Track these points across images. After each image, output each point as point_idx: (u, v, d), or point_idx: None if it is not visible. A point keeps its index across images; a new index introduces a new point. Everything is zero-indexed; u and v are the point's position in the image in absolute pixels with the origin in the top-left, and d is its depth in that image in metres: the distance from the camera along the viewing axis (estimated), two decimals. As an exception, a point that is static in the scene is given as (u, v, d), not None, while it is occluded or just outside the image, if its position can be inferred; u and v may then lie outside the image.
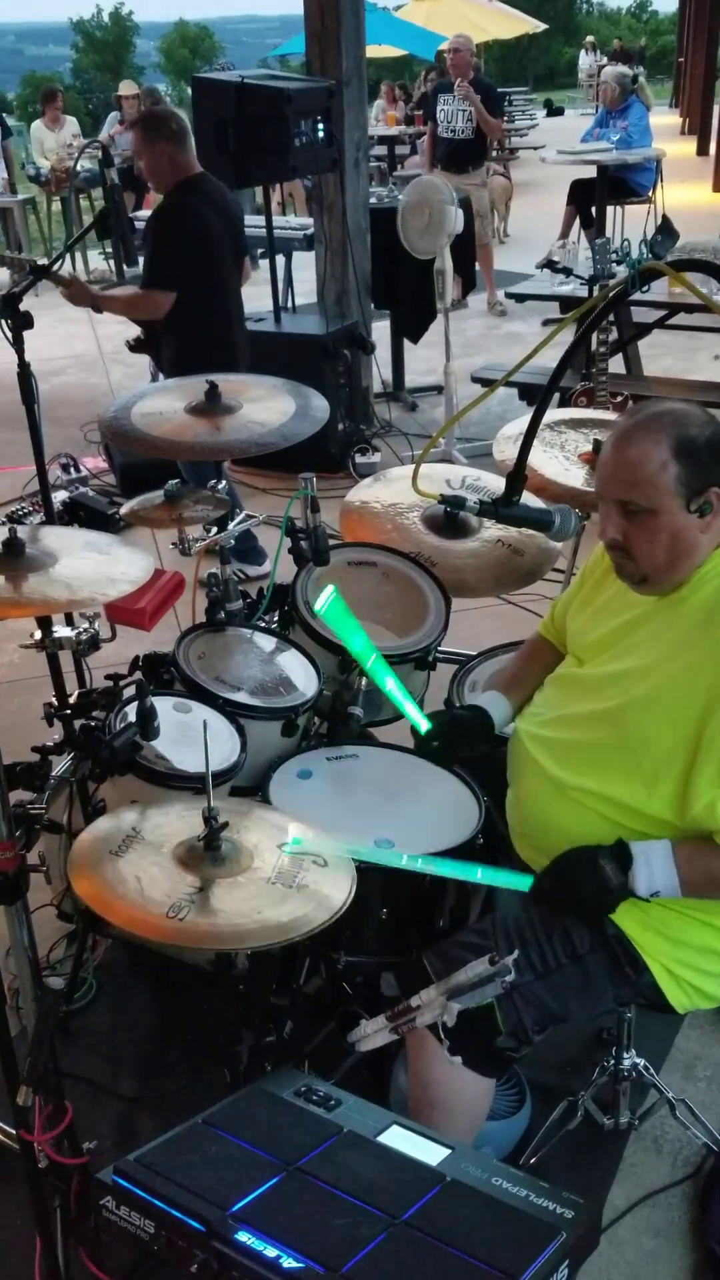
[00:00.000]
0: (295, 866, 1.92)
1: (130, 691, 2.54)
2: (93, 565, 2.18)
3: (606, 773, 1.96)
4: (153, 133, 4.34)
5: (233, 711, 2.51)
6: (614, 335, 5.35)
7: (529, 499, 2.66)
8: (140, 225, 4.98)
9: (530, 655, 2.43)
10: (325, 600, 2.27)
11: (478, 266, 8.27)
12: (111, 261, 9.58)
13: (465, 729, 2.30)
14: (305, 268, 6.84)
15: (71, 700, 2.69)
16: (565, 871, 1.93)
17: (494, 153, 10.43)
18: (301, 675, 2.67)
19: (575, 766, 2.00)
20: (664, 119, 19.82)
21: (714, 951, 1.99)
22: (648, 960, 1.98)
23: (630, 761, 1.93)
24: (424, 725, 2.31)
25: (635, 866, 1.88)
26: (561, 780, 2.01)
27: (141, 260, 4.54)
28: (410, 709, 2.32)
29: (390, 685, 2.31)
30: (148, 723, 2.33)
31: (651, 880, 1.88)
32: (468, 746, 2.32)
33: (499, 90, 9.44)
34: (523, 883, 1.98)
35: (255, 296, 9.42)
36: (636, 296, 4.83)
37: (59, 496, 5.28)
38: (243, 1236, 1.41)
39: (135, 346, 4.68)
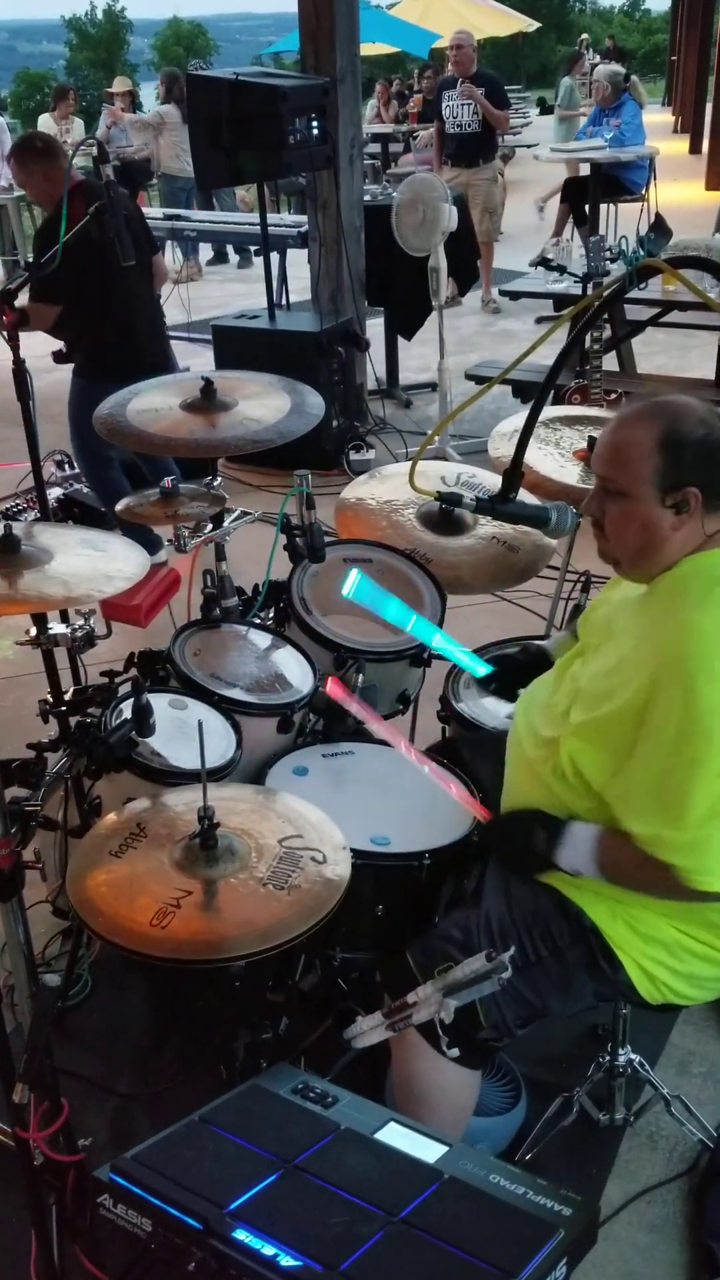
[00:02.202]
0: (290, 865, 1.92)
1: (126, 688, 2.53)
2: (88, 562, 2.18)
3: (577, 764, 1.97)
4: (22, 158, 4.40)
5: (228, 708, 2.51)
6: (607, 333, 5.36)
7: (524, 496, 2.66)
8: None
9: None
10: (352, 583, 2.37)
11: (478, 262, 8.28)
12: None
13: (523, 669, 2.42)
14: (300, 265, 6.83)
15: (67, 697, 2.68)
16: (507, 825, 2.10)
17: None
18: (297, 672, 2.67)
19: (546, 752, 2.03)
20: (657, 117, 19.81)
21: (683, 948, 1.99)
22: (621, 957, 1.98)
23: (587, 751, 1.95)
24: (481, 670, 2.41)
25: (561, 843, 1.96)
26: (536, 764, 2.04)
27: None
28: (464, 658, 2.41)
29: (439, 641, 2.42)
30: (143, 719, 2.33)
31: (574, 861, 1.96)
32: (526, 683, 2.39)
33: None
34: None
35: (250, 294, 9.45)
36: (631, 294, 4.83)
37: (53, 493, 5.27)
38: (240, 1234, 1.41)
39: (58, 358, 4.67)
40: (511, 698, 2.45)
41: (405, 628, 2.42)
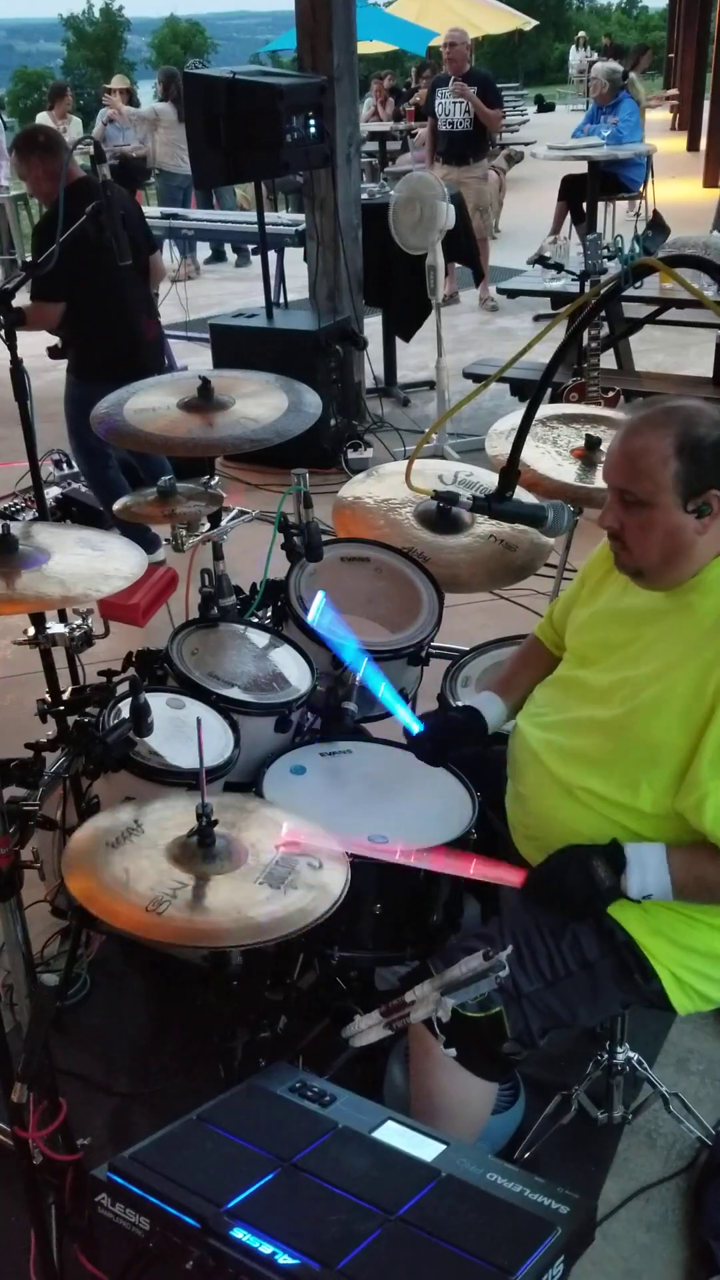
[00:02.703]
0: (287, 867, 1.92)
1: (124, 688, 2.54)
2: (86, 562, 2.18)
3: (614, 776, 1.95)
4: (25, 152, 4.39)
5: (226, 707, 2.51)
6: (605, 331, 5.36)
7: (522, 494, 2.66)
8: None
9: (526, 658, 2.43)
10: (316, 608, 2.37)
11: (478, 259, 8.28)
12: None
13: (457, 731, 2.32)
14: (297, 263, 6.83)
15: (65, 696, 2.68)
16: (557, 871, 1.94)
17: (499, 148, 10.38)
18: (295, 671, 2.67)
19: (581, 769, 2.00)
20: (654, 115, 19.80)
21: (717, 956, 1.99)
22: (656, 967, 1.97)
23: (638, 766, 1.93)
24: (415, 728, 2.31)
25: (629, 869, 1.89)
26: (568, 782, 2.01)
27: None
28: (403, 712, 2.33)
29: (383, 690, 2.34)
30: (141, 719, 2.32)
31: (644, 883, 1.88)
32: (459, 748, 2.33)
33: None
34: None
35: (248, 292, 9.43)
36: (628, 292, 4.83)
37: (51, 493, 5.27)
38: (238, 1233, 1.41)
39: (53, 353, 4.67)
40: (440, 761, 2.36)
41: (358, 670, 2.43)
